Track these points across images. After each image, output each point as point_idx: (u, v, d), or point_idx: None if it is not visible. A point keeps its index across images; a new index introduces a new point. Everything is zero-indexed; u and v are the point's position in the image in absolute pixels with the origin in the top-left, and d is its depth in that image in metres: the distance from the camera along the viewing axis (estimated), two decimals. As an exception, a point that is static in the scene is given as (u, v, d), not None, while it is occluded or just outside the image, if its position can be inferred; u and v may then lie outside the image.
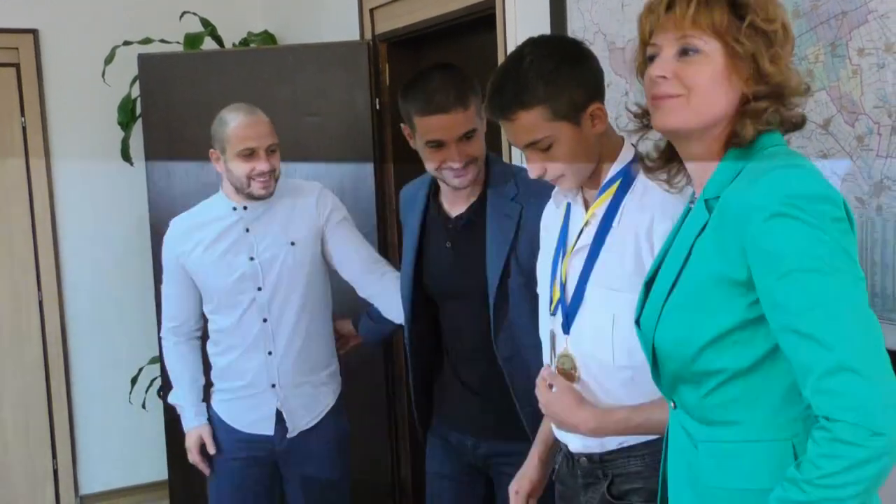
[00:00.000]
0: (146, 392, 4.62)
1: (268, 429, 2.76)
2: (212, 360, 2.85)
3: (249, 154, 2.60)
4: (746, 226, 1.32)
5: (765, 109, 1.40)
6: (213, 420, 2.83)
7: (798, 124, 1.46)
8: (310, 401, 2.79)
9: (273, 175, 2.64)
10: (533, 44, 1.86)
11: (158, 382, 4.34)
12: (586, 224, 1.86)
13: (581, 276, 1.83)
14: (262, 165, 2.60)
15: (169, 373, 2.97)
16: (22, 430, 4.65)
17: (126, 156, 4.52)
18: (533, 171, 1.83)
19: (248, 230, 2.70)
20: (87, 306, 4.74)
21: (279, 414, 2.75)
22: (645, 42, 1.49)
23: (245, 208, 2.71)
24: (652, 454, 1.79)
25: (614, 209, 1.81)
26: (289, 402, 2.75)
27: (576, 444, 1.89)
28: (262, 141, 2.61)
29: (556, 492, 2.05)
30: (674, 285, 1.44)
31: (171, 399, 2.93)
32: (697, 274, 1.40)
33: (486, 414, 2.38)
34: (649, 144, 1.62)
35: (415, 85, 2.29)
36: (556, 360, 1.90)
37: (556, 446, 2.05)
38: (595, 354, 1.83)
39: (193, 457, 2.83)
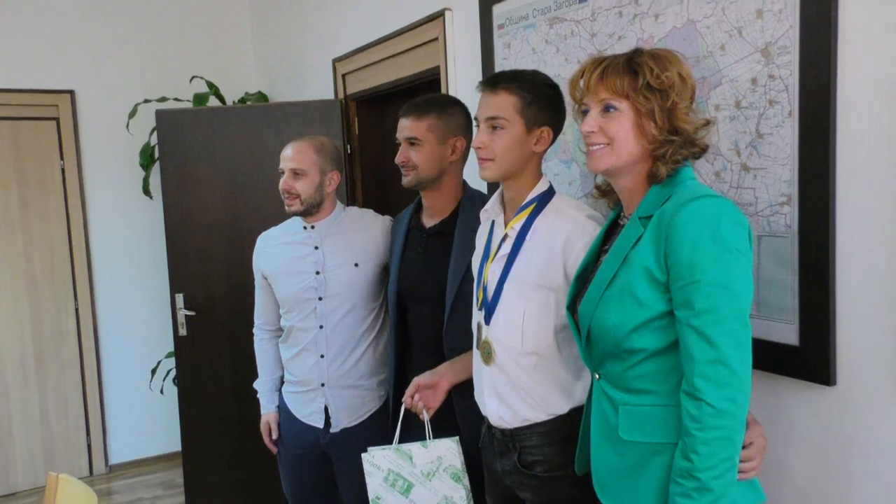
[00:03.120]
0: (163, 380, 4.59)
1: (318, 422, 2.52)
2: (281, 353, 2.63)
3: (282, 174, 2.46)
4: (673, 238, 1.37)
5: (669, 152, 1.45)
6: (282, 407, 2.62)
7: (703, 151, 1.51)
8: (356, 402, 2.52)
9: (293, 195, 2.44)
10: (540, 72, 1.89)
11: (173, 373, 4.30)
12: (505, 237, 1.84)
13: (500, 279, 1.82)
14: (281, 184, 2.44)
15: (257, 363, 2.72)
16: (62, 412, 4.57)
17: (146, 191, 4.50)
18: (475, 142, 1.81)
19: (317, 248, 2.49)
20: (114, 311, 4.69)
21: (327, 410, 2.52)
22: (578, 103, 1.54)
23: (313, 227, 2.51)
24: (546, 431, 1.79)
25: (528, 226, 1.81)
26: (335, 400, 2.50)
27: (493, 417, 1.86)
28: (286, 163, 2.44)
29: (482, 458, 2.01)
30: (611, 281, 1.47)
31: (254, 384, 2.70)
32: (632, 274, 1.43)
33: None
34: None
35: None
36: (480, 346, 1.88)
37: (465, 374, 2.06)
38: (507, 342, 1.80)
39: (265, 439, 2.63)
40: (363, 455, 2.07)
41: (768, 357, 1.71)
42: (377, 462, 2.05)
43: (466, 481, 2.04)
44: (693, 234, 1.35)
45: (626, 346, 1.45)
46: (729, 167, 1.77)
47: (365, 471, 2.05)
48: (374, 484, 2.05)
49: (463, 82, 2.83)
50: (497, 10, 2.53)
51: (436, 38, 2.96)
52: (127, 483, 4.55)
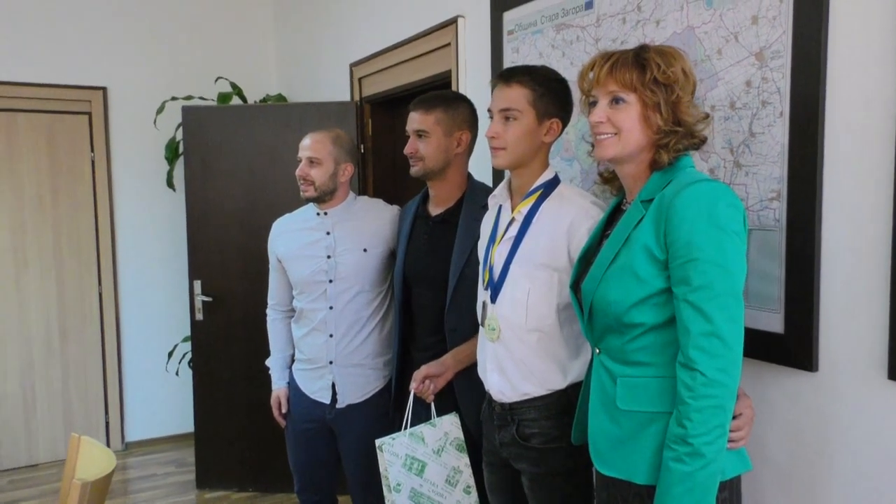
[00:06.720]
0: (179, 363, 4.59)
1: (325, 398, 2.53)
2: (293, 332, 2.62)
3: (299, 161, 2.48)
4: (672, 219, 1.37)
5: (672, 142, 1.46)
6: (291, 384, 2.62)
7: (702, 142, 1.52)
8: (361, 380, 2.52)
9: (308, 182, 2.47)
10: (550, 68, 1.90)
11: (189, 356, 4.31)
12: (512, 220, 1.85)
13: (507, 259, 1.83)
14: (298, 170, 2.47)
15: (269, 341, 2.72)
16: (82, 391, 4.58)
17: (170, 183, 4.52)
18: (489, 132, 1.82)
19: (328, 233, 2.50)
20: (135, 296, 4.70)
21: (334, 386, 2.52)
22: (586, 94, 1.55)
23: (325, 214, 2.53)
24: (543, 405, 1.80)
25: (534, 211, 1.82)
26: (342, 378, 2.51)
27: (495, 392, 1.87)
28: (304, 152, 2.48)
29: (482, 431, 2.01)
30: (613, 260, 1.47)
31: (266, 362, 2.70)
32: (633, 252, 1.44)
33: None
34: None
35: None
36: (485, 324, 1.89)
37: (466, 362, 2.09)
38: (513, 319, 1.81)
39: (275, 412, 2.63)
40: (381, 445, 2.04)
41: (754, 344, 1.71)
42: (396, 450, 2.04)
43: (466, 451, 2.05)
44: (691, 216, 1.35)
45: (626, 321, 1.45)
46: (723, 164, 1.78)
47: (386, 461, 2.02)
48: (395, 471, 2.03)
49: (473, 85, 2.85)
50: (507, 16, 2.54)
51: (448, 44, 2.98)
52: (141, 460, 4.55)
